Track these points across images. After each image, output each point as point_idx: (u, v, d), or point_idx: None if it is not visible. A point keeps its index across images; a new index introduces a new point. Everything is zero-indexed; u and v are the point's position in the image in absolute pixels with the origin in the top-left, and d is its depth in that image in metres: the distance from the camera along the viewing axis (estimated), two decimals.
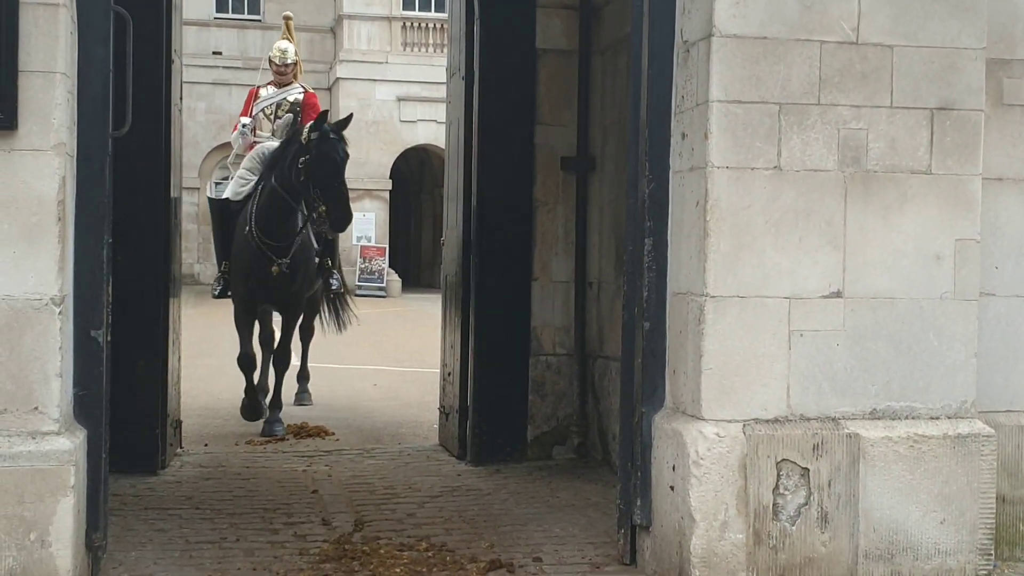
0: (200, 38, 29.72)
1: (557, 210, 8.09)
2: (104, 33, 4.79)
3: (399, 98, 30.07)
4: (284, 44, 10.64)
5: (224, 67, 30.83)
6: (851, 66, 5.01)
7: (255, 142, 9.96)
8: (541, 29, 8.13)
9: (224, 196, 9.81)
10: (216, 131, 30.55)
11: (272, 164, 8.99)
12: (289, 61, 10.45)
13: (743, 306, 4.94)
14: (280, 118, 10.15)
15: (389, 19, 30.48)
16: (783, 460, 4.93)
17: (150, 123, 6.69)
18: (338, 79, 30.19)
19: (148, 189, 6.91)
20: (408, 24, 30.67)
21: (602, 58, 8.04)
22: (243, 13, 31.65)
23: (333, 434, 9.12)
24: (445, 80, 9.17)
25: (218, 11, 31.73)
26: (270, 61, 10.60)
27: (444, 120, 9.05)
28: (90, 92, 4.76)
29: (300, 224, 9.03)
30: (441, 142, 9.23)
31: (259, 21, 31.50)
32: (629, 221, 5.39)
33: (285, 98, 10.28)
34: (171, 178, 7.28)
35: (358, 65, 30.03)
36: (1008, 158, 5.43)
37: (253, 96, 10.42)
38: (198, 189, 30.67)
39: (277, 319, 9.79)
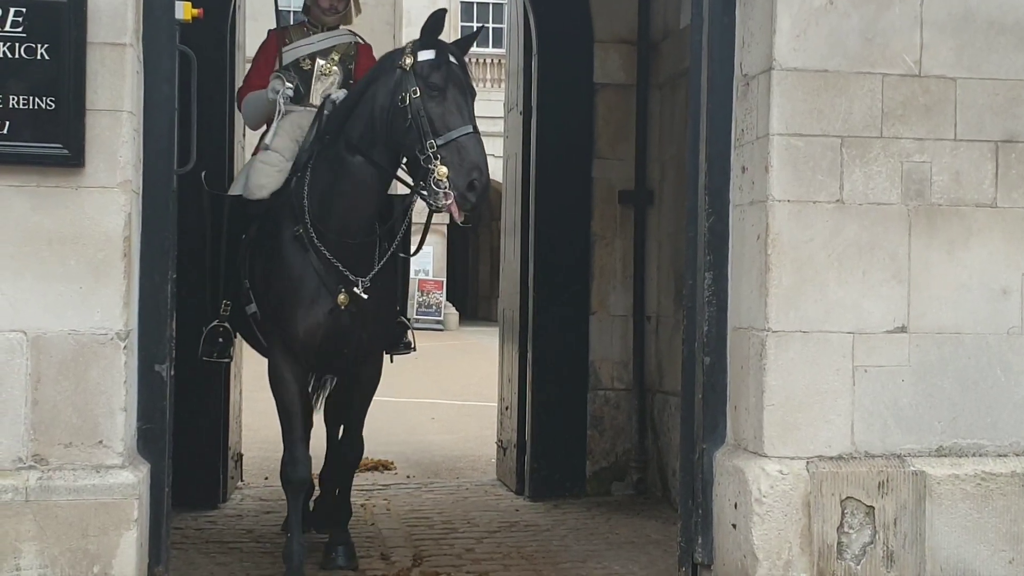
0: None
1: (615, 243, 8.08)
2: (169, 72, 4.87)
3: None
4: None
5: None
6: (914, 99, 4.96)
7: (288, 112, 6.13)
8: (599, 63, 8.16)
9: (235, 192, 6.15)
10: None
11: (341, 117, 5.54)
12: None
13: (806, 341, 4.88)
14: (324, 76, 6.20)
15: None
16: (848, 498, 4.85)
17: (213, 155, 6.79)
18: None
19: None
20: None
21: (660, 92, 8.04)
22: None
23: (392, 468, 9.13)
24: (503, 115, 9.21)
25: None
26: None
27: (502, 154, 9.08)
28: (155, 130, 4.83)
29: (399, 209, 5.83)
30: (499, 176, 9.12)
31: None
32: (689, 255, 5.36)
33: (333, 46, 6.29)
34: None
35: None
36: None
37: (277, 43, 6.31)
38: None
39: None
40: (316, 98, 6.08)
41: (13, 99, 4.52)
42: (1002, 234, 5.01)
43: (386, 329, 5.91)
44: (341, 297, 5.48)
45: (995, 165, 5.01)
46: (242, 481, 8.14)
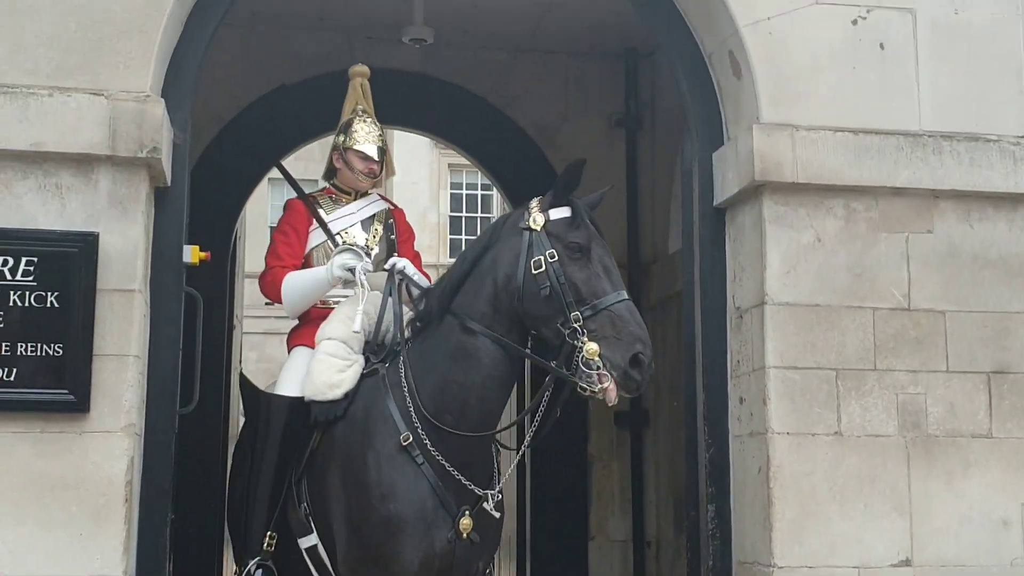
0: (254, 290, 30.56)
1: (612, 466, 8.07)
2: (176, 314, 4.96)
3: None
4: (367, 124, 5.40)
5: (276, 317, 31.53)
6: (904, 332, 5.07)
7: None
8: None
9: (296, 395, 4.86)
10: (266, 379, 30.87)
11: (447, 292, 4.58)
12: (381, 147, 5.40)
13: None
14: (373, 252, 5.21)
15: (436, 267, 31.19)
16: None
17: (212, 393, 6.83)
18: None
19: (207, 458, 6.98)
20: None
21: (652, 313, 8.18)
22: None
23: None
24: None
25: None
26: (343, 151, 5.36)
27: None
28: (160, 372, 4.88)
29: (537, 397, 4.54)
30: None
31: None
32: (690, 486, 5.36)
33: (374, 215, 5.40)
34: (227, 448, 7.37)
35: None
36: None
37: (308, 213, 5.31)
38: None
39: None
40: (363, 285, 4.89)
41: (21, 347, 4.57)
42: (999, 464, 5.04)
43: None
44: (465, 521, 4.39)
45: (988, 396, 5.09)
46: None
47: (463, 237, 31.22)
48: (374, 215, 5.37)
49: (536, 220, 4.42)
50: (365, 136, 5.34)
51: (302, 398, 4.77)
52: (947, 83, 5.26)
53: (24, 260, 4.62)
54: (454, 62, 8.46)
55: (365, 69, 5.59)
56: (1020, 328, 5.14)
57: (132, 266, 4.72)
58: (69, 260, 4.63)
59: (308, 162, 32.29)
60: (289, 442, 4.76)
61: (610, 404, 4.23)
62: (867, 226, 5.12)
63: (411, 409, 4.48)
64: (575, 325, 4.18)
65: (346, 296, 5.03)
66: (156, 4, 4.83)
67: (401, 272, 4.91)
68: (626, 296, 4.26)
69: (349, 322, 4.81)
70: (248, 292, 28.74)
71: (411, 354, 4.61)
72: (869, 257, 5.10)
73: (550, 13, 8.06)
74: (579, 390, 4.19)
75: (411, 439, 4.43)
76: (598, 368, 4.12)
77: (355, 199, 5.39)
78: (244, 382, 5.30)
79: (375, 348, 4.84)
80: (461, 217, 31.32)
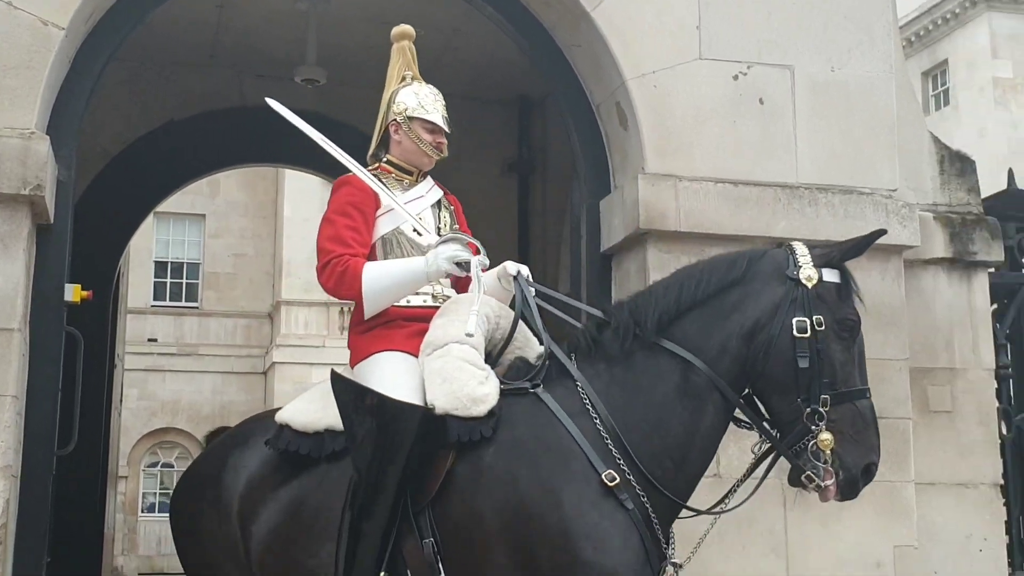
0: (135, 326, 29.98)
1: None
2: (56, 353, 4.87)
3: None
4: (429, 90, 4.46)
5: (159, 354, 30.94)
6: None
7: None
8: None
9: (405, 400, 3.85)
10: (148, 417, 30.31)
11: (666, 313, 3.84)
12: (446, 116, 4.46)
13: None
14: (445, 242, 4.13)
15: (327, 304, 31.02)
16: None
17: (90, 433, 6.69)
18: (274, 363, 30.38)
19: (85, 499, 6.83)
20: (346, 308, 31.20)
21: None
22: (180, 300, 32.08)
23: None
24: None
25: (155, 299, 32.15)
26: (406, 121, 4.38)
27: None
28: (38, 412, 4.79)
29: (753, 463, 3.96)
30: None
31: (196, 308, 31.88)
32: None
33: (439, 202, 4.45)
34: (107, 488, 7.22)
35: (294, 349, 30.29)
36: (939, 463, 5.60)
37: (374, 197, 4.23)
38: (126, 478, 30.11)
39: None
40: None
41: None
42: (873, 508, 5.19)
43: None
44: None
45: None
46: None
47: None
48: (439, 201, 4.42)
49: (810, 276, 3.74)
50: (432, 104, 4.39)
51: (432, 409, 3.77)
52: (823, 138, 5.46)
53: None
54: (348, 102, 8.47)
55: (410, 30, 4.56)
56: (893, 375, 5.32)
57: (12, 304, 4.63)
58: None
59: (196, 196, 31.90)
60: (413, 463, 3.76)
61: (822, 502, 3.75)
62: None
63: (609, 445, 3.69)
64: (821, 409, 3.62)
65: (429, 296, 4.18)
66: (44, 41, 4.78)
67: (528, 280, 4.02)
68: (869, 395, 3.76)
69: (462, 324, 3.90)
70: (131, 328, 27.93)
71: (594, 379, 3.80)
72: None
73: (444, 56, 8.14)
74: (802, 480, 3.66)
75: (618, 480, 3.63)
76: (826, 462, 3.62)
77: (416, 180, 4.38)
78: (340, 381, 3.90)
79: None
80: None
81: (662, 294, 3.84)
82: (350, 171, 4.24)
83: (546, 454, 3.69)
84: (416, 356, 3.94)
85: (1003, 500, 5.80)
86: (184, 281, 31.58)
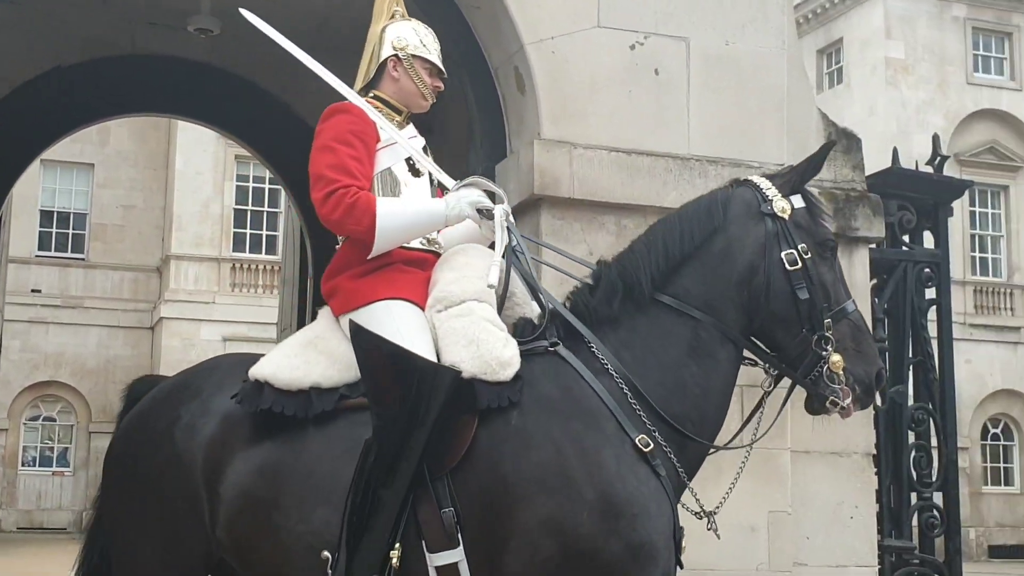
0: (19, 276, 29.19)
1: None
2: None
3: (225, 338, 29.85)
4: (427, 30, 4.19)
5: (42, 305, 30.17)
6: None
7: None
8: None
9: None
10: (30, 370, 29.58)
11: (660, 268, 3.77)
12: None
13: None
14: (466, 185, 3.96)
15: (218, 260, 30.56)
16: None
17: None
18: (162, 319, 29.86)
19: None
20: (237, 265, 30.80)
21: None
22: (66, 251, 31.28)
23: None
24: (275, 321, 9.22)
25: (40, 249, 31.31)
26: (408, 58, 4.09)
27: None
28: None
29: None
30: None
31: (82, 259, 31.14)
32: None
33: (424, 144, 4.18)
34: None
35: (183, 305, 29.81)
36: (814, 432, 5.75)
37: (375, 130, 3.96)
38: (6, 431, 29.38)
39: None
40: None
41: None
42: (749, 473, 5.29)
43: None
44: (684, 547, 3.68)
45: (741, 405, 5.36)
46: None
47: (248, 231, 30.69)
48: (424, 147, 4.15)
49: (783, 207, 3.73)
50: (432, 45, 4.11)
51: (460, 373, 3.52)
52: (715, 110, 5.55)
53: None
54: (241, 55, 8.33)
55: None
56: None
57: None
58: None
59: (85, 144, 31.13)
60: (439, 429, 3.50)
61: (844, 419, 3.76)
62: None
63: (635, 407, 3.57)
64: (827, 334, 3.63)
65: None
66: None
67: (508, 214, 3.76)
68: (855, 305, 3.77)
69: (477, 279, 3.67)
70: (13, 278, 27.10)
71: (631, 333, 3.68)
72: None
73: (339, 12, 8.04)
74: (827, 405, 3.67)
75: (652, 447, 3.52)
76: (840, 383, 3.64)
77: (404, 122, 4.10)
78: (365, 336, 3.58)
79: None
80: (246, 210, 30.75)
81: (645, 251, 3.75)
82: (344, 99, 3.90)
83: (577, 414, 3.53)
84: (421, 307, 3.69)
85: (875, 469, 6.01)
86: (70, 231, 30.81)
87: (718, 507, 3.75)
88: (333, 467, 3.53)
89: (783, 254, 3.67)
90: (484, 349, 3.55)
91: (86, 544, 4.07)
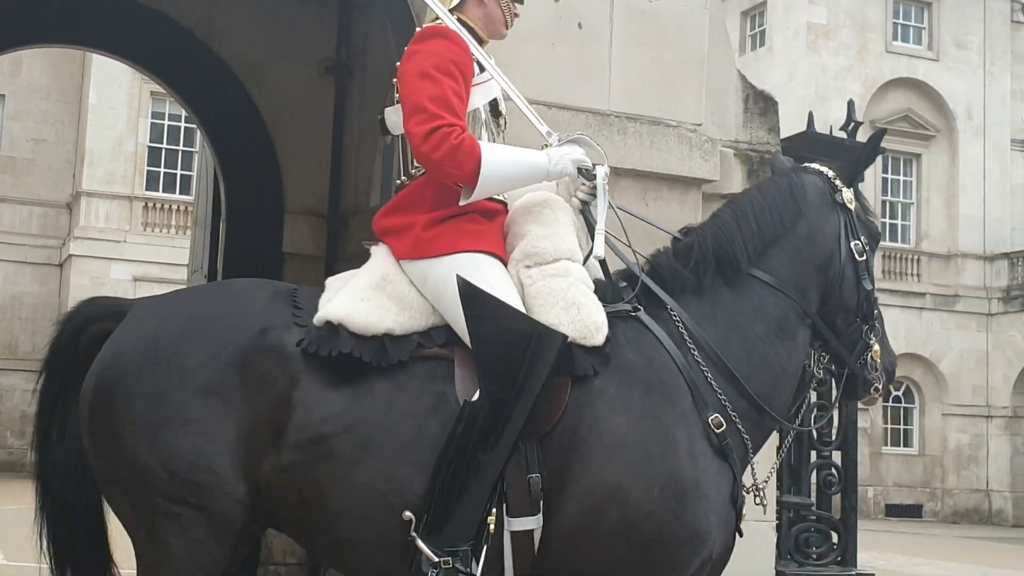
0: None
1: None
2: None
3: (135, 278, 29.39)
4: None
5: None
6: None
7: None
8: (288, 233, 8.29)
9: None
10: None
11: (753, 243, 3.76)
12: None
13: None
14: (571, 141, 3.80)
15: (130, 199, 29.99)
16: None
17: None
18: (71, 256, 29.29)
19: None
20: (150, 204, 30.26)
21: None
22: None
23: None
24: (187, 263, 9.12)
25: None
26: None
27: None
28: None
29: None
30: None
31: None
32: None
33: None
34: None
35: (93, 243, 29.24)
36: None
37: (473, 64, 3.71)
38: None
39: None
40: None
41: None
42: None
43: None
44: (741, 525, 3.64)
45: None
46: None
47: (162, 169, 30.15)
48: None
49: (849, 199, 3.86)
50: None
51: (567, 338, 3.38)
52: (636, 67, 5.57)
53: None
54: None
55: None
56: None
57: None
58: None
59: None
60: (526, 396, 3.32)
61: (869, 406, 3.93)
62: None
63: (711, 382, 3.52)
64: (876, 324, 3.84)
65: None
66: None
67: (603, 173, 3.66)
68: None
69: (567, 236, 3.59)
70: None
71: (712, 308, 3.65)
72: None
73: None
74: (871, 391, 3.85)
75: (724, 427, 3.48)
76: (876, 371, 3.84)
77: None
78: (476, 293, 3.36)
79: None
80: (161, 148, 30.21)
81: (736, 227, 3.73)
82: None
83: (658, 386, 3.48)
84: (504, 261, 3.56)
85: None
86: None
87: (767, 479, 3.83)
88: (418, 425, 3.36)
89: (852, 244, 3.81)
90: (584, 313, 3.46)
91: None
